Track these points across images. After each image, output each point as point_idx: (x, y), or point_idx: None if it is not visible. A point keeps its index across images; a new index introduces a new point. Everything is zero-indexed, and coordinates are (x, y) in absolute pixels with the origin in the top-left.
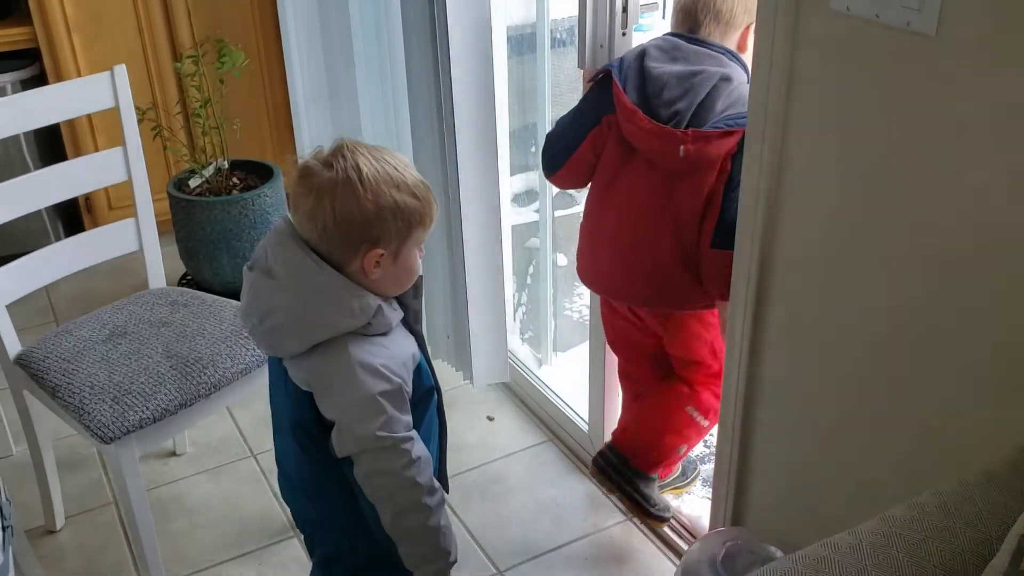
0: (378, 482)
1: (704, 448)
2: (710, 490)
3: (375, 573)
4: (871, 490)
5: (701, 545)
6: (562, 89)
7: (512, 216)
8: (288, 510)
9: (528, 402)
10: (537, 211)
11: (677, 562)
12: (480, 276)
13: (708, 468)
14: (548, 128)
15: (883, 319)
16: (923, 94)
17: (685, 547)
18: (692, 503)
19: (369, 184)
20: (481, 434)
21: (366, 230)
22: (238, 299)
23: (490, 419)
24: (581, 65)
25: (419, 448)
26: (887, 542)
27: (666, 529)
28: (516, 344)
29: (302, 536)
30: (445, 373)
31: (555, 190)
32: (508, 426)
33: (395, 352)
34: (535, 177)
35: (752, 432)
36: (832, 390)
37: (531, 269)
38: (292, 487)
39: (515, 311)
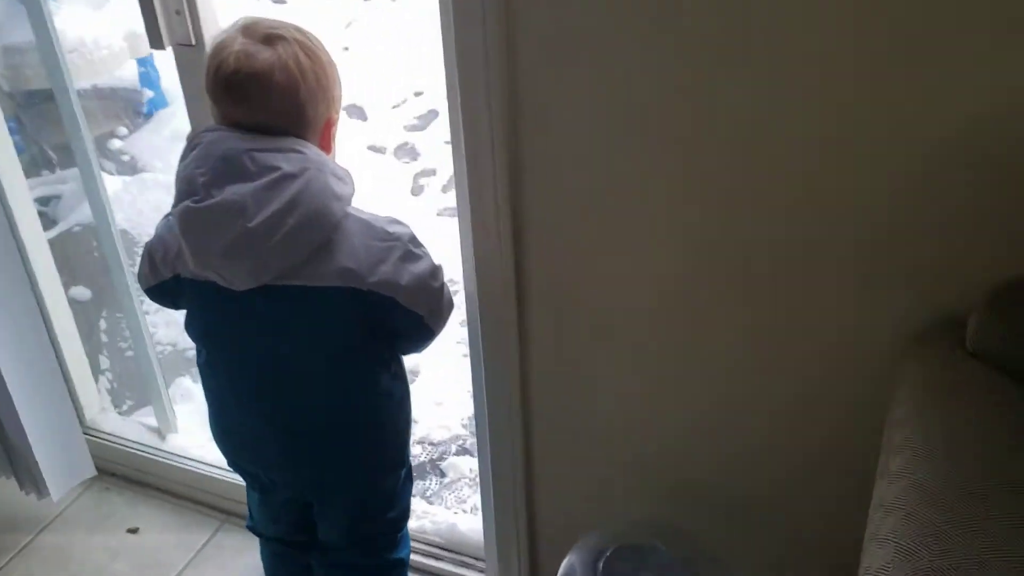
0: (441, 308)
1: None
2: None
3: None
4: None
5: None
6: None
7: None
8: None
9: (171, 488)
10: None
11: None
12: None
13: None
14: None
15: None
16: None
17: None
18: (444, 516)
19: (319, 45)
20: (131, 559)
21: (328, 96)
22: None
23: (132, 532)
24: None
25: None
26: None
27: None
28: (117, 425)
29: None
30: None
31: None
32: (160, 530)
33: None
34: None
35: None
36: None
37: (102, 324)
38: (302, 445)
39: (96, 382)
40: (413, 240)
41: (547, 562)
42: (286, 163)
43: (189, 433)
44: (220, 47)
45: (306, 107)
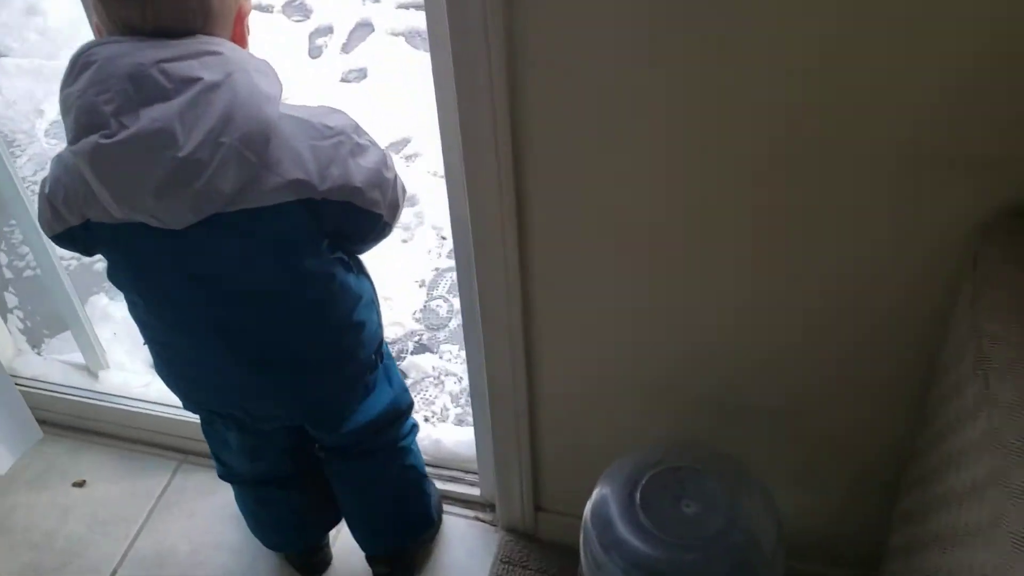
0: (398, 200)
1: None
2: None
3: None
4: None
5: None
6: None
7: None
8: None
9: (115, 431)
10: None
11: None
12: None
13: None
14: None
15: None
16: None
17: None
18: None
19: None
20: (85, 516)
21: None
22: None
23: (78, 485)
24: None
25: None
26: None
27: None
28: (40, 368)
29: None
30: None
31: None
32: (110, 479)
33: None
34: None
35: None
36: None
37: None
38: (281, 372)
39: (5, 322)
40: (356, 129)
41: (552, 482)
42: (205, 71)
43: (122, 368)
44: None
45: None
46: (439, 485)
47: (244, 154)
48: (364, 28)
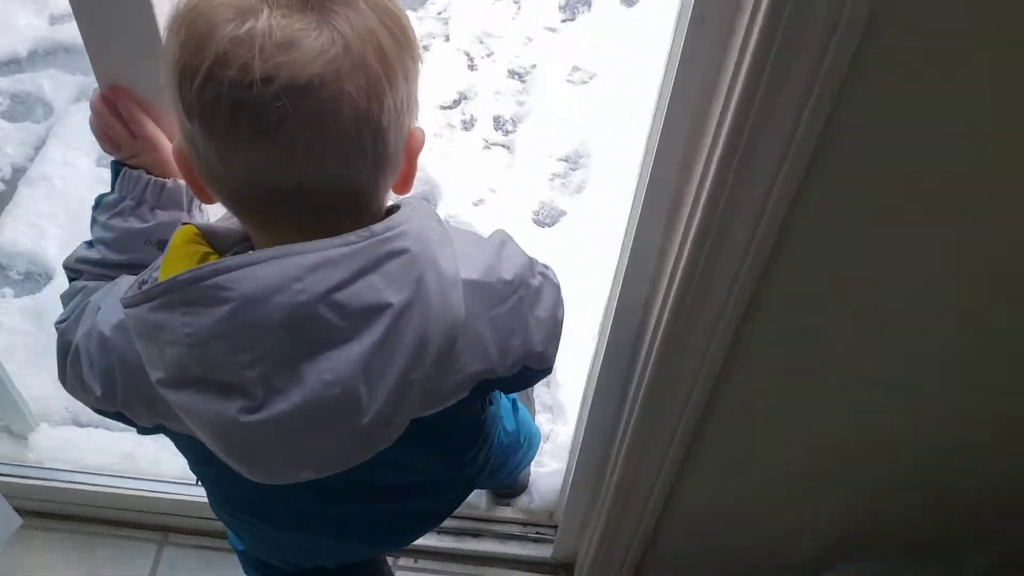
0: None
1: None
2: None
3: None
4: None
5: None
6: None
7: None
8: None
9: (64, 511)
10: None
11: None
12: None
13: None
14: None
15: None
16: None
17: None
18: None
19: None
20: None
21: (414, 97)
22: None
23: None
24: None
25: None
26: None
27: None
28: None
29: None
30: None
31: None
32: None
33: None
34: None
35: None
36: None
37: None
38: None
39: None
40: (531, 267)
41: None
42: (391, 288)
43: (59, 427)
44: (212, 18)
45: (388, 133)
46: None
47: (432, 378)
48: None
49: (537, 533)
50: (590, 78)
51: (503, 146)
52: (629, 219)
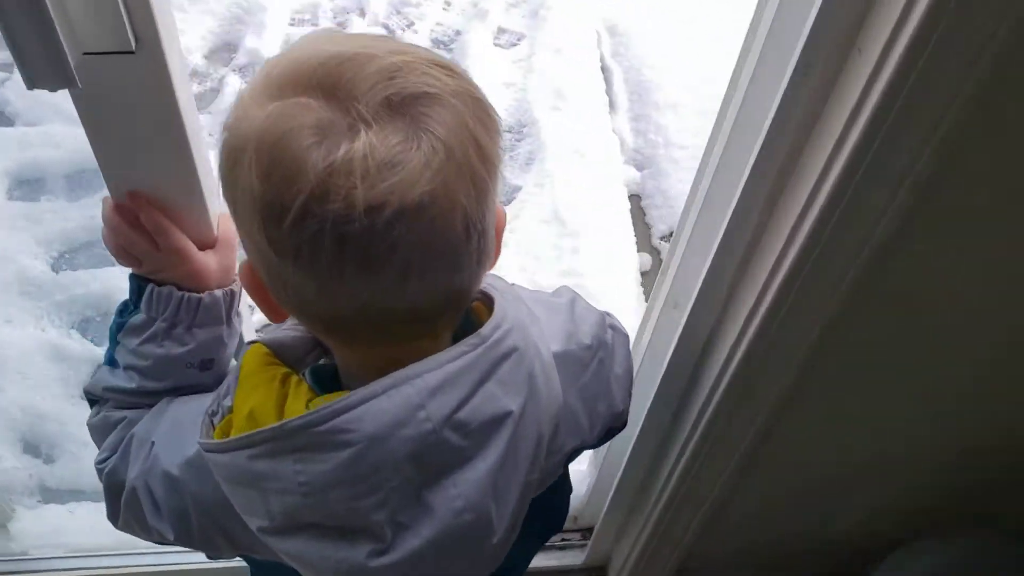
0: None
1: None
2: None
3: None
4: None
5: None
6: None
7: None
8: None
9: None
10: None
11: None
12: None
13: None
14: None
15: None
16: None
17: None
18: None
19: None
20: None
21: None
22: None
23: None
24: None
25: None
26: None
27: None
28: None
29: None
30: None
31: None
32: None
33: None
34: None
35: None
36: None
37: None
38: None
39: None
40: (602, 324)
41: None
42: (508, 393)
43: (36, 508)
44: (293, 143)
45: (489, 228)
46: None
47: (543, 470)
48: None
49: (563, 540)
50: (518, 39)
51: None
52: (689, 245)
